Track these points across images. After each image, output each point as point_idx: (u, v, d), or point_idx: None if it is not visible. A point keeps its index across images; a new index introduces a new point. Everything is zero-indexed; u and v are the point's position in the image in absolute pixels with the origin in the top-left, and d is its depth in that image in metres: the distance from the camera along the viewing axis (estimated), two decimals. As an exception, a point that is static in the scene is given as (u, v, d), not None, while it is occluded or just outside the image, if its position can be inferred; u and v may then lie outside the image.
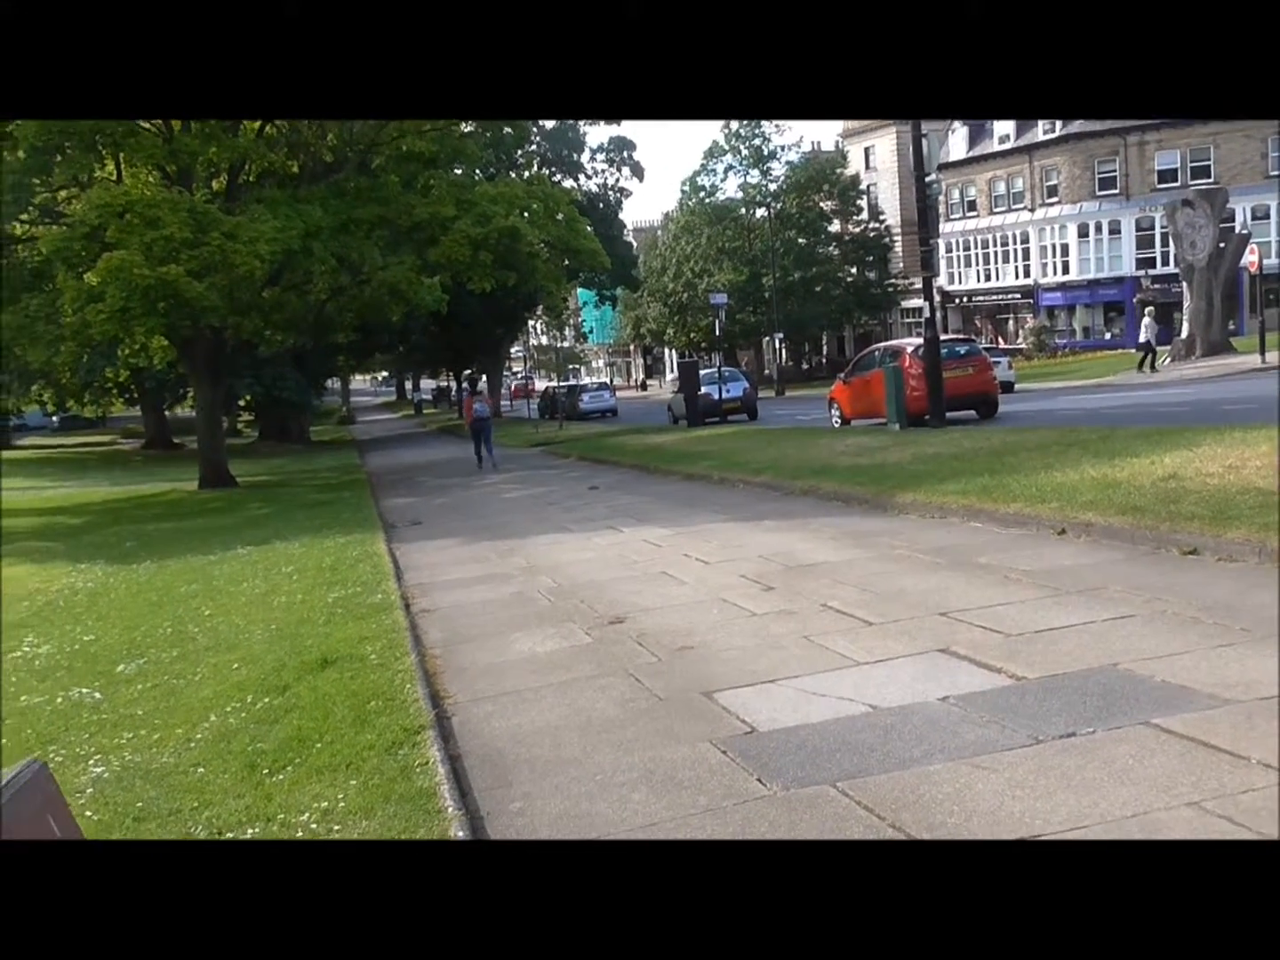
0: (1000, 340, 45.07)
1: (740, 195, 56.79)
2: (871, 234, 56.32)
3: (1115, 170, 43.66)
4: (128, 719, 5.37)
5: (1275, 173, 40.56)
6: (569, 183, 44.13)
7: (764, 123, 55.61)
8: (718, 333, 38.84)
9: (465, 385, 36.95)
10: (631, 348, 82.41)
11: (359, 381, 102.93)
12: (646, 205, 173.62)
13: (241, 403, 45.47)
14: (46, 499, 22.62)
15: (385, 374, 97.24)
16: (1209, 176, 40.53)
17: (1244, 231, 32.94)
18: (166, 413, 46.48)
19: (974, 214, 49.64)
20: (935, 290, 19.73)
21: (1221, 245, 29.60)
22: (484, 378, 48.96)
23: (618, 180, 49.64)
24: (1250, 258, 27.73)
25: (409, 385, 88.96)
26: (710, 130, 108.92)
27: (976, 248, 49.62)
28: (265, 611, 7.70)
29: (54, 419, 59.62)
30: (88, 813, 3.99)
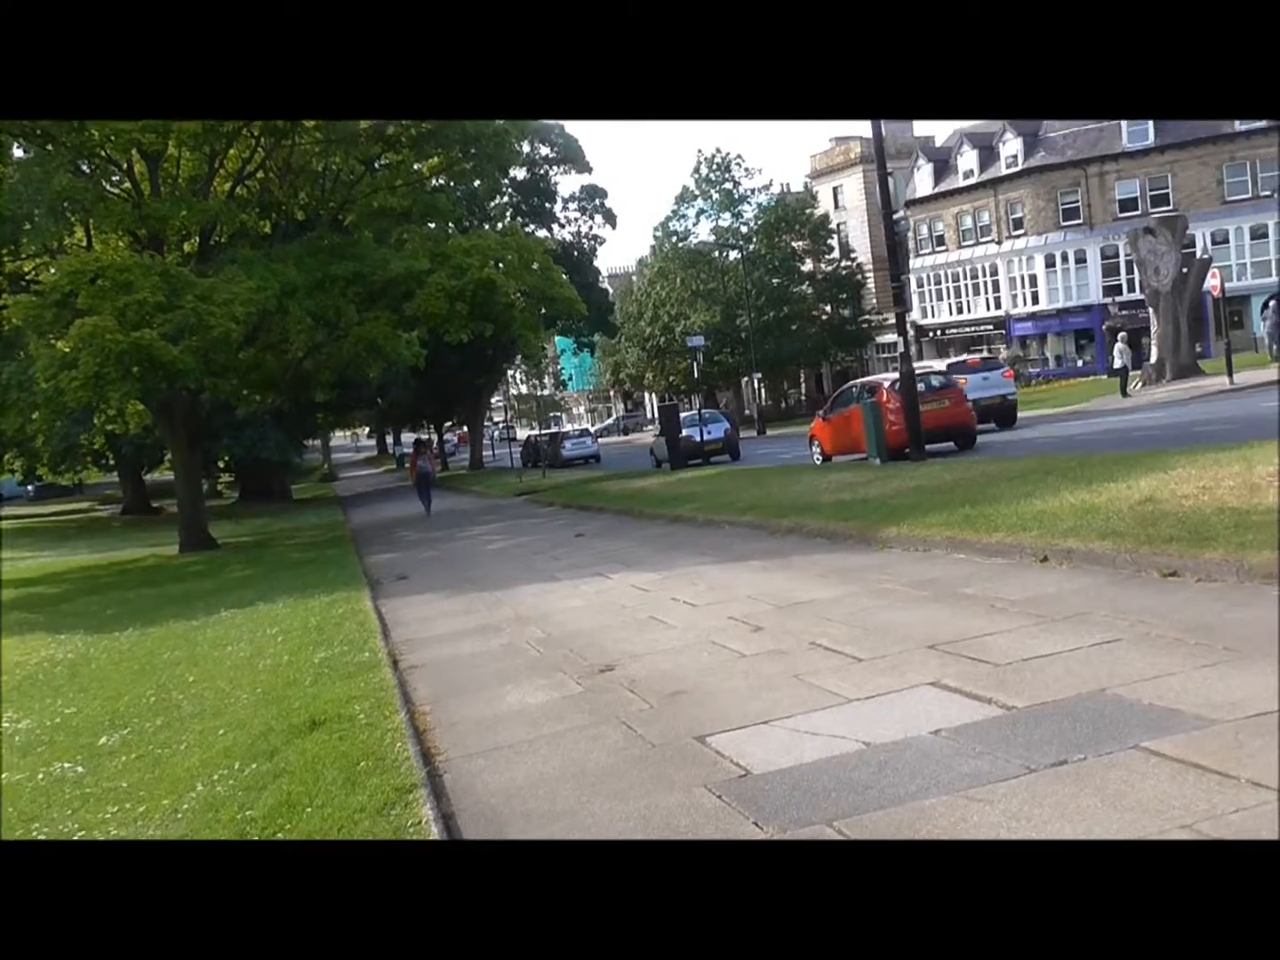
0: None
1: (713, 238, 57.51)
2: (844, 272, 57.10)
3: (1078, 201, 44.51)
4: (112, 792, 5.28)
5: (1232, 198, 41.48)
6: (543, 232, 44.54)
7: (733, 166, 56.54)
8: (696, 375, 39.11)
9: (411, 446, 37.87)
10: (611, 393, 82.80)
11: (340, 438, 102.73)
12: (620, 252, 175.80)
13: (221, 463, 45.32)
14: (24, 569, 22.36)
15: (366, 429, 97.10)
16: (1168, 204, 41.37)
17: (1205, 256, 33.54)
18: (145, 477, 46.17)
19: (943, 248, 50.40)
20: (909, 324, 19.97)
21: (1184, 270, 30.11)
22: (434, 438, 49.09)
23: (591, 228, 50.28)
24: (1213, 281, 28.21)
25: (390, 439, 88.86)
26: (681, 175, 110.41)
27: (947, 281, 50.31)
28: (251, 675, 7.63)
29: (29, 488, 59.13)
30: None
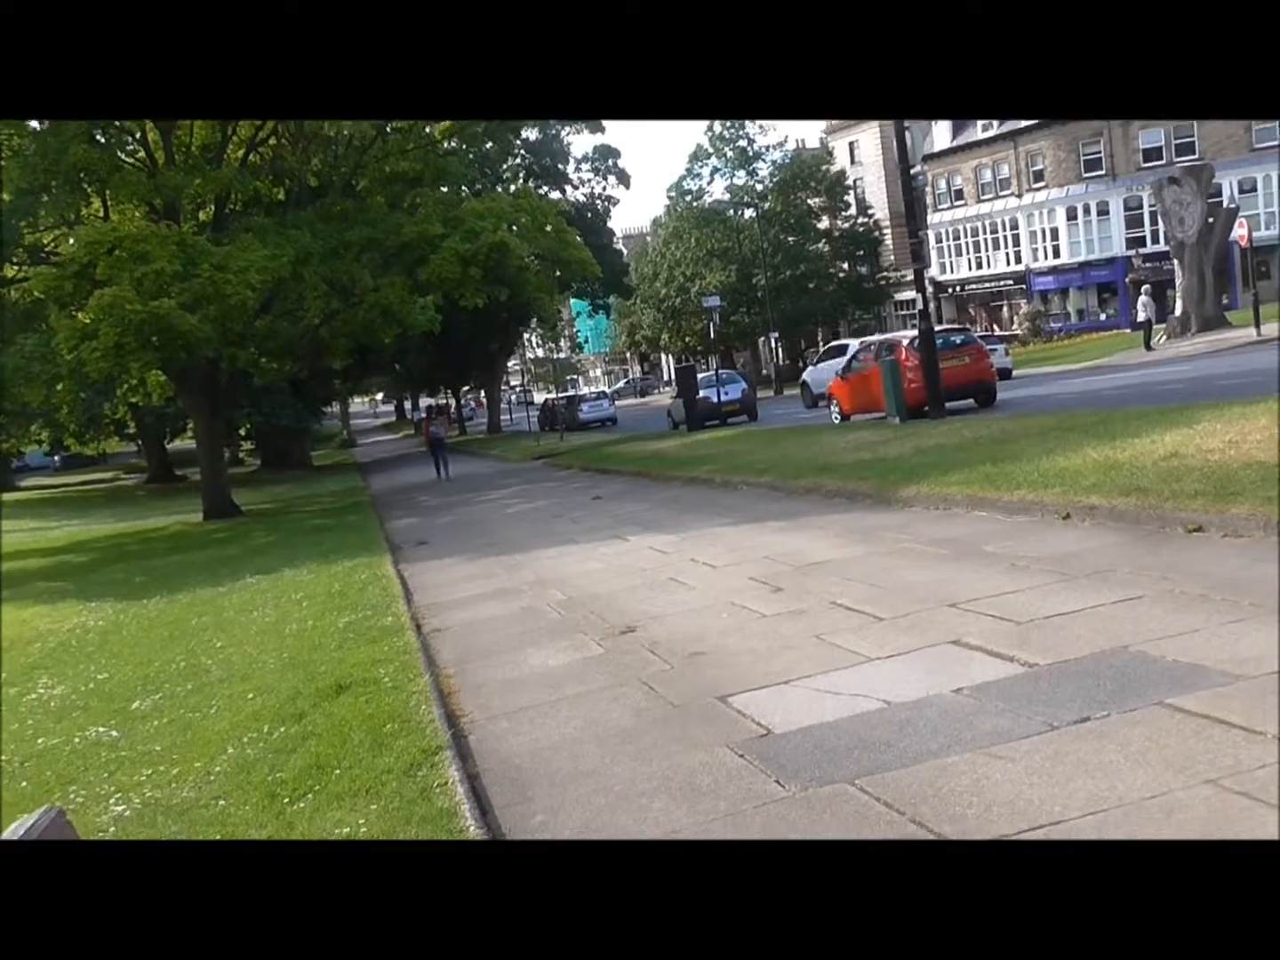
0: (995, 327, 45.05)
1: (727, 197, 56.90)
2: (860, 229, 56.43)
3: (1100, 152, 43.70)
4: (146, 755, 5.38)
5: (1260, 145, 40.60)
6: (555, 194, 44.18)
7: (747, 123, 55.82)
8: (713, 335, 38.89)
9: (425, 410, 38.20)
10: (627, 355, 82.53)
11: (358, 404, 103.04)
12: (635, 212, 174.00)
13: (242, 431, 45.59)
14: (53, 539, 22.67)
15: (383, 395, 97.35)
16: (1193, 153, 40.55)
17: (1232, 205, 32.94)
18: (167, 446, 46.56)
19: (962, 203, 49.70)
20: (927, 281, 19.76)
21: (1210, 220, 29.60)
22: (451, 403, 49.01)
23: (604, 189, 49.76)
24: (1240, 231, 27.72)
25: (408, 405, 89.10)
26: (694, 134, 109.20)
27: (966, 236, 49.67)
28: (277, 640, 7.72)
29: (55, 459, 59.80)
30: (112, 851, 4.01)
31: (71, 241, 19.28)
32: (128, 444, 51.85)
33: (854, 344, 28.90)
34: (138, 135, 21.33)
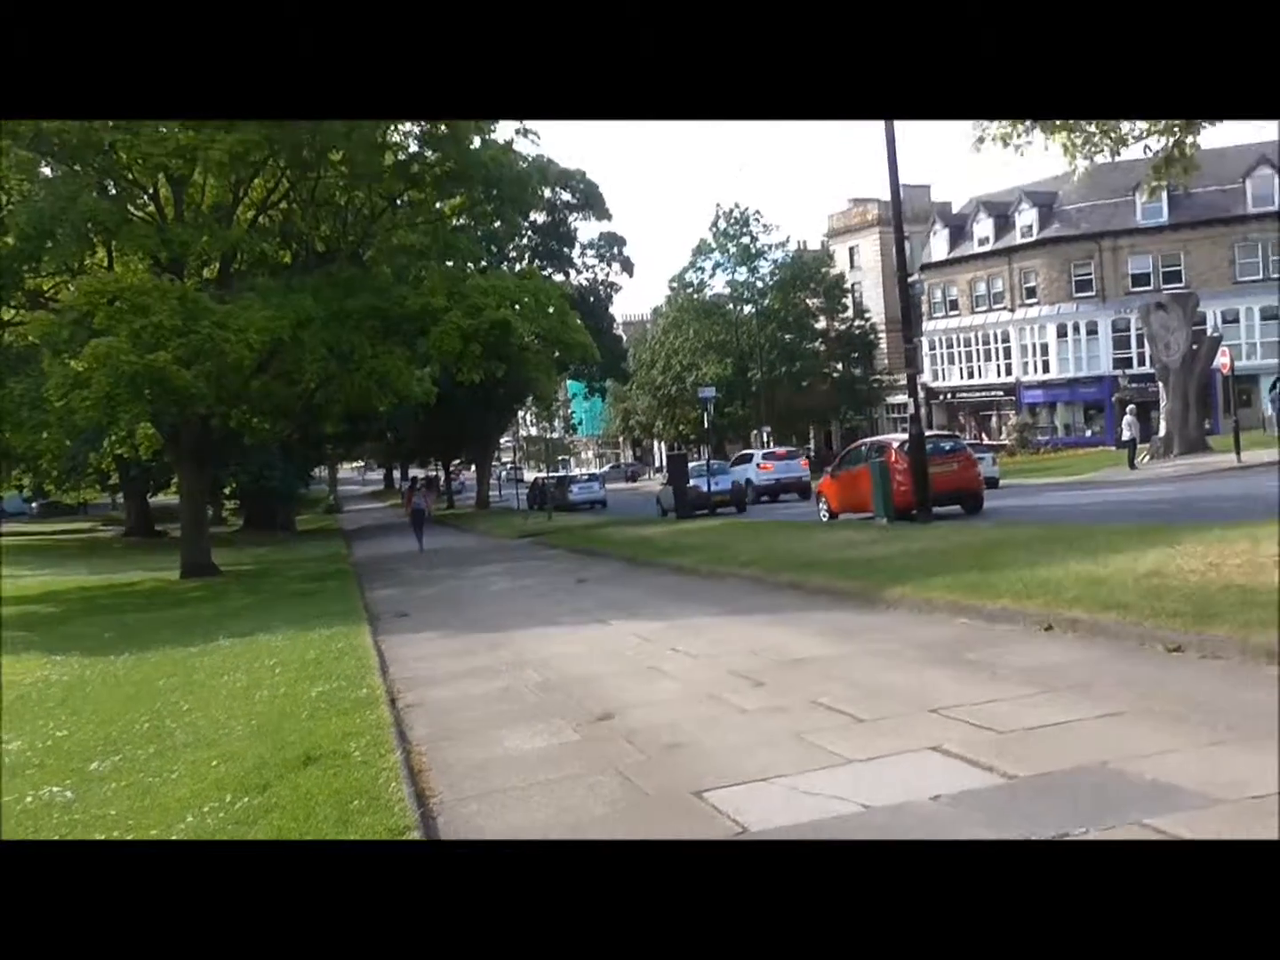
0: (984, 436, 45.61)
1: (728, 291, 57.97)
2: (857, 331, 57.46)
3: (1091, 273, 44.85)
4: (100, 819, 5.22)
5: (1243, 279, 41.81)
6: (560, 276, 44.94)
7: (751, 221, 57.11)
8: (706, 426, 39.22)
9: (410, 481, 38.60)
10: (620, 439, 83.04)
11: (346, 470, 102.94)
12: (636, 300, 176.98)
13: (227, 490, 45.39)
14: (24, 587, 22.32)
15: (373, 463, 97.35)
16: (1180, 281, 41.70)
17: (1215, 334, 33.74)
18: (149, 500, 46.25)
19: (956, 313, 50.74)
20: (920, 386, 20.09)
21: (1195, 347, 30.28)
22: (440, 476, 49.06)
23: (608, 275, 50.65)
24: (1223, 359, 28.35)
25: (396, 474, 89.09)
26: (699, 228, 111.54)
27: (959, 345, 50.57)
28: (246, 706, 7.58)
29: (33, 505, 59.27)
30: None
31: (72, 289, 19.40)
32: (108, 495, 51.49)
33: (758, 453, 32.13)
34: (149, 189, 21.62)
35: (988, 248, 48.65)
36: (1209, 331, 34.61)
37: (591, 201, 46.60)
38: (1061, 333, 45.52)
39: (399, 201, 24.24)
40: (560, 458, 48.73)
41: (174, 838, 4.75)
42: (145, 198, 21.95)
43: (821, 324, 57.62)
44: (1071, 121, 7.82)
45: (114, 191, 21.08)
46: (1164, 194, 36.17)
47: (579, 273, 49.68)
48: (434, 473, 64.58)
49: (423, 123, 21.99)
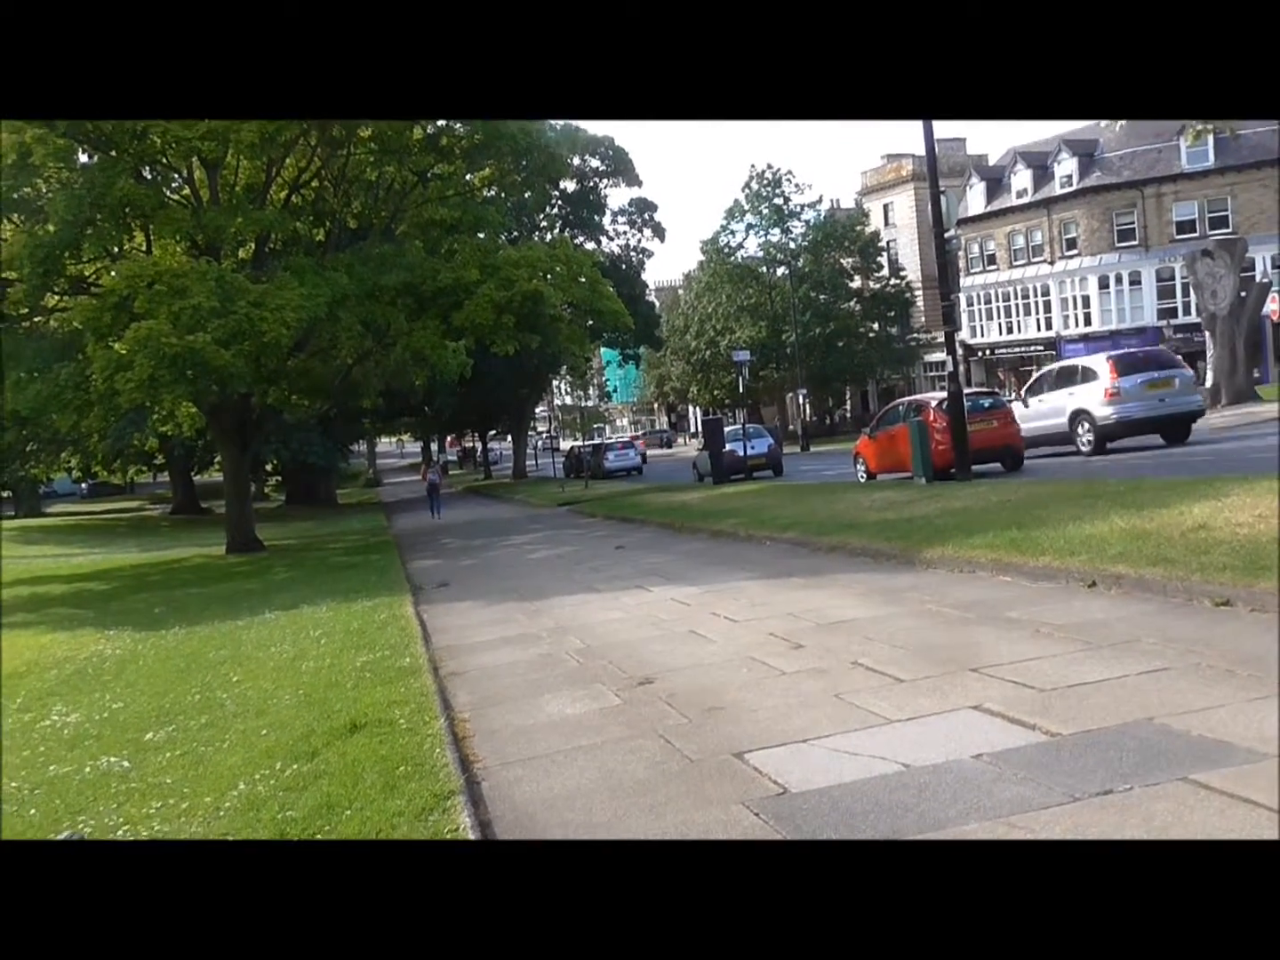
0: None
1: (761, 254, 57.38)
2: (892, 290, 56.70)
3: (1133, 222, 43.83)
4: (156, 788, 5.37)
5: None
6: (591, 245, 44.73)
7: (784, 181, 56.42)
8: (741, 389, 39.03)
9: (424, 456, 39.70)
10: (655, 406, 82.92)
11: (384, 444, 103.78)
12: (668, 265, 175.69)
13: (269, 467, 46.01)
14: (75, 566, 22.86)
15: (410, 436, 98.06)
16: (1227, 226, 40.63)
17: (1265, 280, 32.91)
18: (194, 478, 47.01)
19: (994, 268, 49.87)
20: (958, 344, 19.80)
21: (1242, 294, 29.55)
22: (477, 447, 49.13)
23: (639, 241, 50.36)
24: (1272, 306, 27.69)
25: (434, 446, 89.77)
26: (731, 189, 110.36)
27: (998, 301, 49.77)
28: (293, 677, 7.71)
29: (82, 486, 60.53)
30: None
31: (113, 274, 19.65)
32: (156, 474, 52.39)
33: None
34: (184, 173, 21.81)
35: (1026, 199, 47.67)
36: (1258, 278, 33.76)
37: (621, 168, 46.26)
38: (1103, 284, 44.60)
39: (429, 175, 24.20)
40: (595, 426, 48.71)
41: (227, 805, 4.87)
42: (180, 180, 22.14)
43: (856, 283, 56.93)
44: None
45: (149, 176, 21.27)
46: (1209, 137, 35.11)
47: (610, 240, 49.45)
48: (470, 444, 64.88)
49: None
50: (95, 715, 7.36)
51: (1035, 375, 22.60)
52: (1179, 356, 21.58)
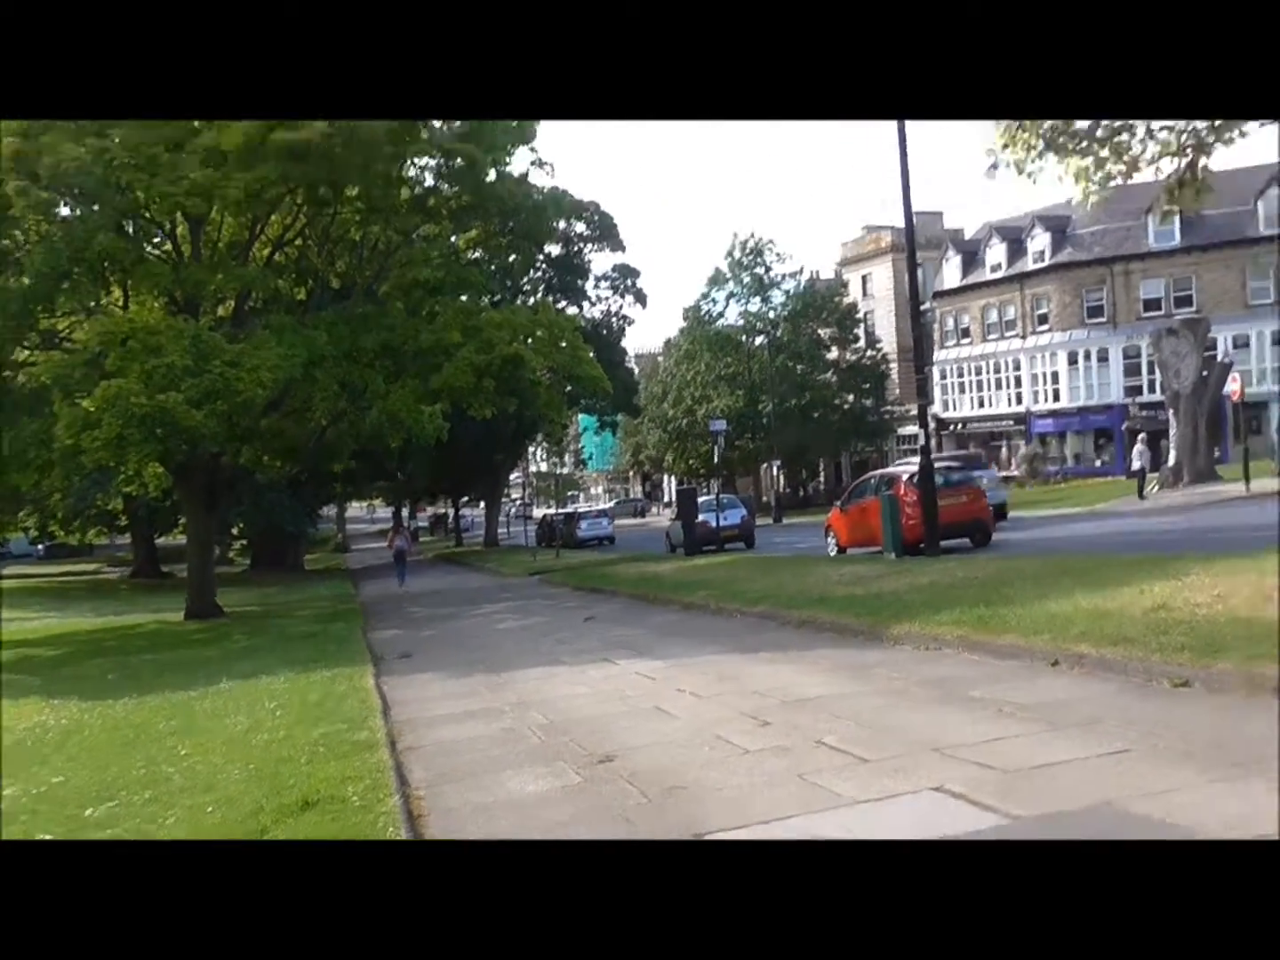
0: (995, 467, 45.45)
1: (741, 322, 57.96)
2: (868, 361, 57.32)
3: (1103, 299, 44.80)
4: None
5: (1255, 302, 41.71)
6: (573, 309, 44.92)
7: (766, 251, 57.13)
8: (716, 459, 39.14)
9: (394, 521, 39.58)
10: (630, 474, 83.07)
11: (355, 508, 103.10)
12: (648, 332, 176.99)
13: (234, 530, 45.39)
14: (28, 630, 22.20)
15: (381, 501, 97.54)
16: (1191, 305, 41.60)
17: (1226, 360, 33.62)
18: (156, 540, 46.13)
19: (968, 340, 50.69)
20: (930, 417, 20.04)
21: (1205, 374, 30.13)
22: (449, 514, 48.83)
23: (621, 307, 50.42)
24: (1233, 386, 28.21)
25: (406, 513, 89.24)
26: (713, 258, 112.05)
27: (970, 374, 50.50)
28: (245, 750, 7.51)
29: (39, 547, 59.12)
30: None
31: (86, 329, 19.42)
32: (113, 536, 51.45)
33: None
34: (167, 228, 21.63)
35: (1000, 274, 48.63)
36: (1219, 357, 34.49)
37: (605, 233, 46.62)
38: (1073, 360, 45.40)
39: (415, 236, 24.27)
40: (570, 493, 48.57)
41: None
42: (162, 235, 21.93)
43: (833, 354, 57.56)
44: (1084, 144, 7.84)
45: (131, 231, 21.08)
46: (1176, 217, 36.09)
47: (592, 305, 49.54)
48: (442, 510, 64.60)
49: (439, 155, 21.95)
50: (33, 789, 7.06)
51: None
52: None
